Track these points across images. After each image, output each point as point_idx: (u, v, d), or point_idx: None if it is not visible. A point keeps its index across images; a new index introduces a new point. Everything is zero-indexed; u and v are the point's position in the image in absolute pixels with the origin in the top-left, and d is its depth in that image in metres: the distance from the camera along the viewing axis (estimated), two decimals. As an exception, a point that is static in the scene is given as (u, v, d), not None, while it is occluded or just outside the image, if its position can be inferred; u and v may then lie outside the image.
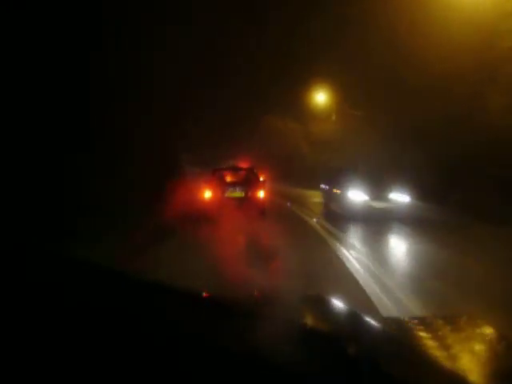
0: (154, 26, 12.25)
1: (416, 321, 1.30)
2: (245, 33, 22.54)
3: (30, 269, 0.73)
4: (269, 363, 0.60)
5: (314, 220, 9.89)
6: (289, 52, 24.98)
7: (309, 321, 1.03)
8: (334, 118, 24.83)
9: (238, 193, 9.42)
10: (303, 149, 27.74)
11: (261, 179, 13.44)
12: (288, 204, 13.94)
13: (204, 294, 0.98)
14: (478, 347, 1.04)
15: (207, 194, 9.30)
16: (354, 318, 1.12)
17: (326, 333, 0.89)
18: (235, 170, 11.08)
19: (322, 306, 1.22)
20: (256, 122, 28.89)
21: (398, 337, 1.05)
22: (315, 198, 16.95)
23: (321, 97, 25.23)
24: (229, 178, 10.35)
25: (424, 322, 1.24)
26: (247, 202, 9.13)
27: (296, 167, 27.03)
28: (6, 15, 6.44)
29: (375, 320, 1.24)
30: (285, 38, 24.51)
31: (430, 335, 1.04)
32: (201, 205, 8.93)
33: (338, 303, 1.29)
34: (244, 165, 12.53)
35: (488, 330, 1.10)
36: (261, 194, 9.54)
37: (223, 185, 9.62)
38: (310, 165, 26.45)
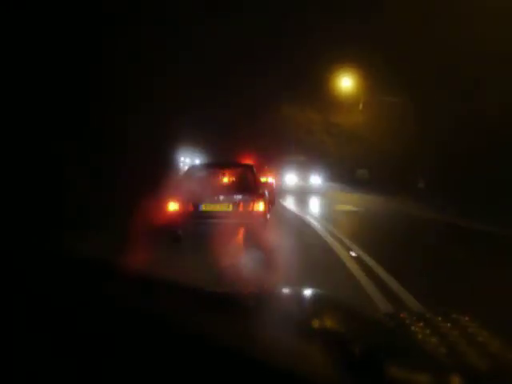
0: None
1: (415, 317, 1.25)
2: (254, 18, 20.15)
3: (29, 268, 0.75)
4: (269, 363, 0.59)
5: (353, 253, 5.23)
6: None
7: (309, 318, 1.04)
8: (361, 106, 21.42)
9: (223, 205, 5.69)
10: (325, 143, 24.60)
11: (269, 180, 10.01)
12: (309, 219, 8.85)
13: (204, 292, 0.97)
14: (478, 345, 0.99)
15: (172, 207, 5.71)
16: (354, 315, 1.15)
17: (326, 330, 0.91)
18: (224, 167, 7.18)
19: (322, 304, 1.24)
20: (271, 114, 25.95)
21: (398, 333, 1.06)
22: (342, 204, 13.47)
23: (346, 82, 21.70)
24: (211, 181, 6.60)
25: (424, 319, 1.21)
26: (236, 221, 5.42)
27: (316, 163, 24.04)
28: (6, 13, 6.72)
29: (375, 316, 1.37)
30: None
31: (430, 332, 1.04)
32: (161, 224, 5.34)
33: (338, 300, 1.31)
34: (245, 161, 9.15)
35: (488, 329, 1.11)
36: (260, 206, 5.76)
37: (200, 191, 5.85)
38: (333, 161, 23.69)
